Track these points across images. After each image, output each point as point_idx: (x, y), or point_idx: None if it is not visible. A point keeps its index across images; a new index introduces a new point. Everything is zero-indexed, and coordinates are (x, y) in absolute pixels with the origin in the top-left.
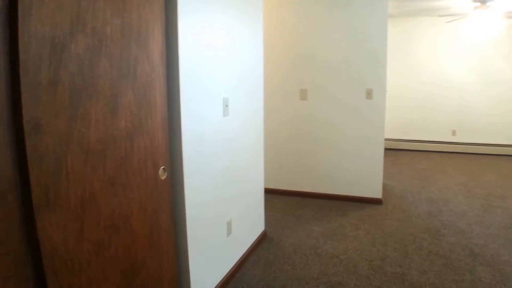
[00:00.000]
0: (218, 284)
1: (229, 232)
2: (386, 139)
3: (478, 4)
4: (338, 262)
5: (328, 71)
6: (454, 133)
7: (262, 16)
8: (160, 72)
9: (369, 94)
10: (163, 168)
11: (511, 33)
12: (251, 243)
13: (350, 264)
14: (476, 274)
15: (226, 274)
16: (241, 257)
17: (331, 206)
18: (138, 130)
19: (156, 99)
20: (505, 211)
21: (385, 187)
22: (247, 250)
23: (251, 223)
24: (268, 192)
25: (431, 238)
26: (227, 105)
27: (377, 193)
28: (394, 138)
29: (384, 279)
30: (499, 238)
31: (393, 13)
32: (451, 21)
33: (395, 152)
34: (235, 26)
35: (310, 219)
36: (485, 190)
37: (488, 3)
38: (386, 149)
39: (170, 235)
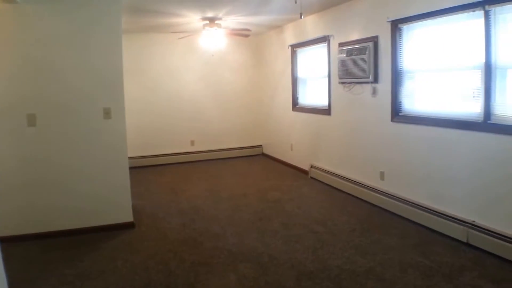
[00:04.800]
0: None
1: None
2: (129, 158)
3: (207, 22)
4: None
5: (60, 91)
6: (192, 143)
7: None
8: None
9: (107, 113)
10: None
11: (235, 47)
12: None
13: None
14: (240, 272)
15: None
16: None
17: (82, 242)
18: None
19: None
20: (250, 207)
21: (135, 208)
22: None
23: None
24: (3, 241)
25: (190, 249)
26: None
27: (128, 217)
28: (137, 155)
29: None
30: (251, 232)
31: (128, 29)
32: (183, 37)
33: (140, 169)
34: None
35: (59, 262)
36: (229, 192)
37: (216, 21)
38: (130, 167)
39: None
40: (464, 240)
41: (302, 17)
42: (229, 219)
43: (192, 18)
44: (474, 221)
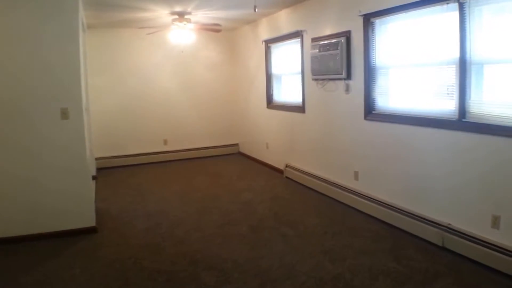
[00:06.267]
0: None
1: None
2: (97, 159)
3: (176, 17)
4: None
5: (12, 90)
6: (165, 142)
7: None
8: None
9: (64, 114)
10: None
11: (208, 43)
12: None
13: None
14: (201, 280)
15: None
16: None
17: (40, 248)
18: None
19: None
20: (219, 209)
21: (99, 212)
22: None
23: None
24: None
25: (151, 255)
26: None
27: (90, 221)
28: (107, 156)
29: None
30: (217, 237)
31: (93, 24)
32: (151, 33)
33: (109, 170)
34: None
35: (15, 269)
36: (200, 193)
37: (186, 16)
38: (98, 168)
39: None
40: (440, 243)
41: (256, 10)
42: (196, 223)
43: (160, 13)
44: (450, 224)
